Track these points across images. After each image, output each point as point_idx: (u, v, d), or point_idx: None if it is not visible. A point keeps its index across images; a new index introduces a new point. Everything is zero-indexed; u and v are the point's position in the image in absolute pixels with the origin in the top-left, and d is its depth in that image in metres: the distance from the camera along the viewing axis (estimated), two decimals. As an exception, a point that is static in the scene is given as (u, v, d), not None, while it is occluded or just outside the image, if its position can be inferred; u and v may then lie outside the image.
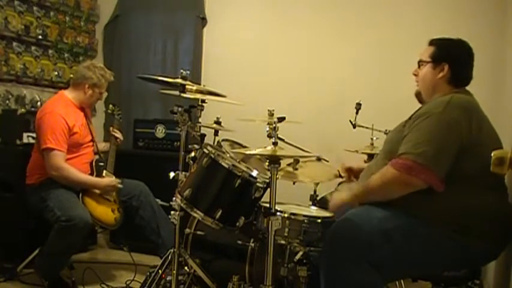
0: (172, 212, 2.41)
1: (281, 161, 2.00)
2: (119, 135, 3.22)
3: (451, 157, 1.79)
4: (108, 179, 2.99)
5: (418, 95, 2.11)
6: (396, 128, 2.06)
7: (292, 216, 2.22)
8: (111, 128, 3.23)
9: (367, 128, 3.00)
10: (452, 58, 2.00)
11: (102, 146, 3.27)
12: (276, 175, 1.97)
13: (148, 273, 2.62)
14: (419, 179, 1.76)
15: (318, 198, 2.90)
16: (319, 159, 2.87)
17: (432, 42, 2.07)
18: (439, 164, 1.77)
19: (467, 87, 2.02)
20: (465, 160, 1.80)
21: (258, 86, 3.95)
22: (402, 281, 2.68)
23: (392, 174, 1.81)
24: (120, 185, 3.01)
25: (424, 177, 1.76)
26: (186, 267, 2.52)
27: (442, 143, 1.79)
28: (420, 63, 2.07)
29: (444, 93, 1.95)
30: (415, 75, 2.09)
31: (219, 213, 2.16)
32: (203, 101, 2.76)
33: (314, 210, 2.52)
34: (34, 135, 3.06)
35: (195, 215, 2.22)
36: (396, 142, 1.90)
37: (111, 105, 3.30)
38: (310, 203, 2.83)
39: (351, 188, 2.05)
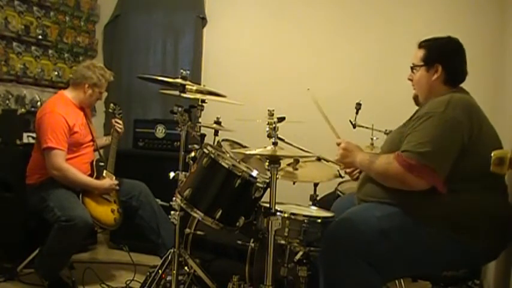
0: (172, 212, 2.41)
1: (281, 161, 2.00)
2: (120, 125, 3.20)
3: (453, 157, 1.79)
4: (108, 182, 2.99)
5: (416, 99, 2.11)
6: (397, 129, 2.06)
7: (292, 216, 2.22)
8: (113, 121, 3.22)
9: (367, 128, 2.99)
10: (444, 58, 1.99)
11: (104, 140, 3.27)
12: (276, 175, 1.97)
13: (148, 273, 2.62)
14: (423, 180, 1.76)
15: (318, 198, 2.90)
16: (319, 159, 2.87)
17: (421, 45, 2.06)
18: (442, 165, 1.77)
19: (465, 86, 2.02)
20: (465, 160, 1.80)
21: (258, 86, 3.95)
22: (402, 281, 2.68)
23: (396, 169, 1.80)
24: (117, 187, 3.02)
25: (427, 178, 1.76)
26: (186, 267, 2.52)
27: (445, 143, 1.79)
28: (413, 67, 2.06)
29: (441, 94, 1.94)
30: (410, 80, 2.09)
31: (219, 213, 2.16)
32: (203, 101, 2.76)
33: (314, 210, 2.51)
34: (34, 135, 3.06)
35: (195, 215, 2.22)
36: (397, 143, 1.90)
37: (111, 105, 3.29)
38: (310, 203, 2.83)
39: (361, 152, 2.06)
